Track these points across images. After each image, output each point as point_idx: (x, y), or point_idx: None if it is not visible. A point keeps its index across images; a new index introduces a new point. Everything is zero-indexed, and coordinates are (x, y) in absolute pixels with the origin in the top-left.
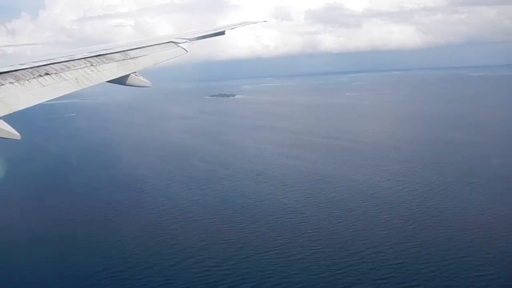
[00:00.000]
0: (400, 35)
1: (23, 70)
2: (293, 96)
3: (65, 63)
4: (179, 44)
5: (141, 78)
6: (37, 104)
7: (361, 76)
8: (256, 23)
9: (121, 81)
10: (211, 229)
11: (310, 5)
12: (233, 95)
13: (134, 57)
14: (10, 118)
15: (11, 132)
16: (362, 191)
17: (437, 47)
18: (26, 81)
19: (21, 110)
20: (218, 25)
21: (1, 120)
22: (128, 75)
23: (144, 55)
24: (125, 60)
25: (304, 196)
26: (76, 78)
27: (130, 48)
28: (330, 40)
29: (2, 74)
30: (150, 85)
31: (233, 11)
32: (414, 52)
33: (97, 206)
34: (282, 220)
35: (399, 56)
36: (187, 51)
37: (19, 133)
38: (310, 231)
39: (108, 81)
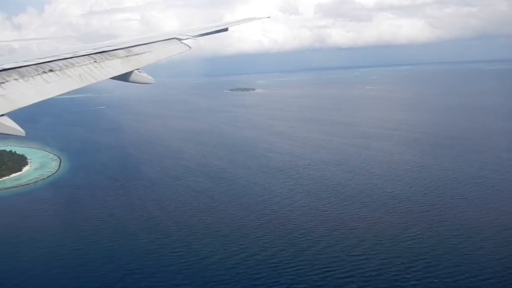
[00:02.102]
0: (409, 29)
1: (27, 67)
2: (314, 89)
3: (69, 59)
4: (182, 41)
5: (145, 74)
6: (43, 100)
7: (373, 70)
8: (259, 19)
9: (124, 77)
10: (333, 218)
11: None
12: (253, 89)
13: (137, 54)
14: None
15: (16, 128)
16: (465, 180)
17: (447, 41)
18: (31, 78)
19: (26, 107)
20: (223, 21)
21: (5, 117)
22: (132, 71)
23: (147, 52)
24: (128, 57)
25: (405, 184)
26: (80, 75)
27: (133, 44)
28: (340, 35)
29: (6, 71)
30: (154, 82)
31: (241, 6)
32: (424, 46)
33: (191, 195)
34: (400, 207)
35: (408, 51)
36: (190, 48)
37: (57, 125)
38: (437, 219)
39: (111, 78)
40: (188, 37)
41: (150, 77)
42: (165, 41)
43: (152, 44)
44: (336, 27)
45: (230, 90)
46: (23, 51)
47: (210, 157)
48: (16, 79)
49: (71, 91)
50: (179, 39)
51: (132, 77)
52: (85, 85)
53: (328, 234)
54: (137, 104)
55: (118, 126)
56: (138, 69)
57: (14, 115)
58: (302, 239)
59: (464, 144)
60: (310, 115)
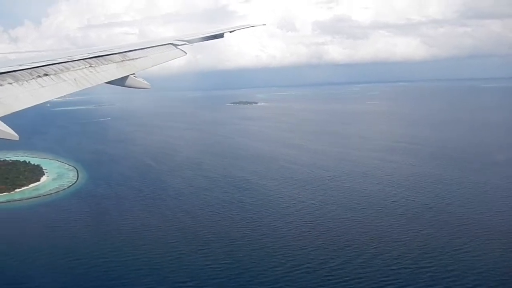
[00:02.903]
0: (405, 47)
1: (22, 71)
2: (316, 104)
3: (64, 64)
4: (178, 46)
5: (140, 79)
6: (38, 104)
7: (370, 86)
8: (254, 26)
9: (120, 82)
10: (374, 229)
11: (317, 16)
12: (255, 103)
13: (133, 59)
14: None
15: (9, 132)
16: (497, 192)
17: (442, 59)
18: (25, 82)
19: (20, 111)
20: (218, 28)
21: None
22: (127, 76)
23: (143, 57)
24: (124, 62)
25: (437, 197)
26: (75, 79)
27: (129, 49)
28: (337, 51)
29: (1, 75)
30: (150, 87)
31: (239, 21)
32: (419, 64)
33: (222, 205)
34: (438, 219)
35: (404, 68)
36: (186, 53)
37: (66, 136)
38: (479, 231)
39: (107, 82)
40: (183, 42)
41: (145, 82)
42: (161, 46)
43: (148, 49)
44: (333, 44)
45: (233, 103)
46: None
47: (231, 168)
48: (11, 83)
49: (73, 103)
50: (175, 45)
51: (128, 81)
52: (80, 89)
53: (372, 245)
54: (142, 116)
55: (128, 138)
56: (133, 74)
57: (8, 119)
58: (346, 250)
59: (481, 158)
60: (320, 129)
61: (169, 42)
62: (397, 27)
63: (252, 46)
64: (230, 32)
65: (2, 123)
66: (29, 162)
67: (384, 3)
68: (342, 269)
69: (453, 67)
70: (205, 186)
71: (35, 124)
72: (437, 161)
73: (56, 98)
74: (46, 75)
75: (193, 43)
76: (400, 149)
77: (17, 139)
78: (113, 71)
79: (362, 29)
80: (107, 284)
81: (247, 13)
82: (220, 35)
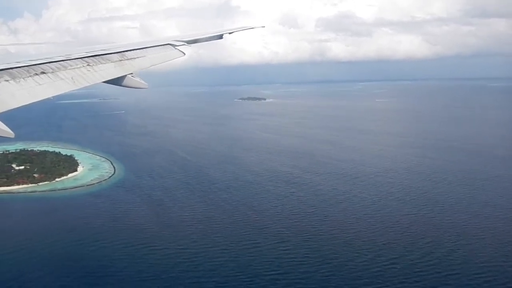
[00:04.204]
0: (408, 45)
1: (19, 68)
2: (326, 100)
3: (62, 62)
4: (176, 47)
5: (138, 79)
6: (35, 102)
7: (374, 84)
8: (253, 28)
9: (117, 81)
10: (448, 226)
11: (322, 13)
12: (264, 99)
13: (131, 58)
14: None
15: (5, 130)
16: None
17: (445, 57)
18: (22, 79)
19: (16, 108)
20: (217, 29)
21: None
22: (125, 76)
23: (141, 57)
24: (122, 61)
25: (492, 193)
26: (72, 78)
27: (127, 49)
28: (340, 49)
29: None
30: (147, 87)
31: (242, 17)
32: (422, 62)
33: (278, 199)
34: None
35: (406, 66)
36: (184, 54)
37: (83, 129)
38: None
39: (104, 82)
40: (182, 43)
41: (143, 82)
42: (159, 46)
43: (146, 49)
44: (336, 41)
45: (241, 99)
46: (21, 56)
47: (269, 163)
48: (7, 80)
49: (76, 96)
50: (174, 45)
51: (125, 81)
52: (77, 88)
53: (454, 242)
54: (153, 110)
55: (149, 131)
56: (131, 73)
57: (6, 116)
58: (420, 243)
59: None
60: (342, 125)
61: (168, 43)
62: (401, 24)
63: (255, 43)
64: (229, 33)
65: None
66: (59, 152)
67: (389, 1)
68: (440, 264)
69: (457, 66)
70: (251, 179)
71: (45, 117)
72: (479, 158)
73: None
74: (43, 73)
75: (191, 44)
76: (431, 146)
77: (13, 136)
78: (111, 70)
79: (366, 27)
80: (191, 272)
81: (250, 9)
82: (219, 36)
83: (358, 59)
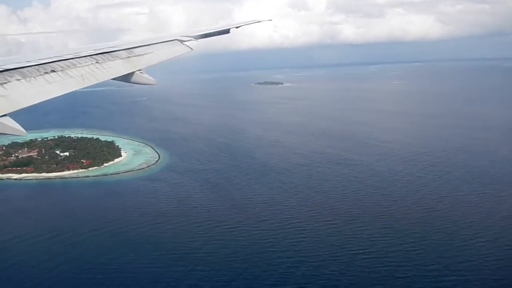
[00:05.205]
0: (420, 26)
1: (29, 67)
2: (346, 83)
3: (71, 60)
4: (184, 42)
5: (146, 75)
6: (46, 100)
7: (387, 67)
8: (260, 22)
9: (126, 78)
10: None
11: None
12: (281, 83)
13: (139, 55)
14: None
15: (17, 128)
16: None
17: (458, 38)
18: (32, 78)
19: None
20: (228, 21)
21: (7, 117)
22: (133, 72)
23: (149, 53)
24: (130, 58)
25: None
26: (81, 75)
27: (135, 45)
28: (350, 31)
29: (9, 71)
30: (155, 83)
31: (249, 1)
32: (434, 43)
33: (338, 180)
34: None
35: (418, 48)
36: (192, 49)
37: (111, 116)
38: None
39: (113, 79)
40: (189, 38)
41: (151, 78)
42: (167, 42)
43: (154, 45)
44: (347, 23)
45: (258, 84)
46: (31, 45)
47: (314, 145)
48: (18, 80)
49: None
50: (181, 41)
51: (134, 78)
52: (87, 85)
53: None
54: (175, 96)
55: (178, 116)
56: (139, 70)
57: (15, 114)
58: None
59: None
60: (371, 107)
61: (175, 38)
62: (414, 4)
63: (265, 27)
64: (236, 27)
65: (10, 119)
66: (97, 138)
67: None
68: None
69: (470, 46)
70: (302, 162)
71: (68, 105)
72: None
73: None
74: (53, 71)
75: (199, 39)
76: (473, 127)
77: (25, 135)
78: (119, 67)
79: (378, 7)
80: (270, 250)
81: None
82: (226, 31)
83: (369, 41)
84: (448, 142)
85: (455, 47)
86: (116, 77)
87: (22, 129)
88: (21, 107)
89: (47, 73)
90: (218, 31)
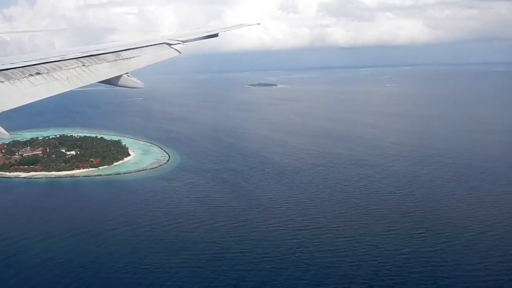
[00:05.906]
0: (409, 30)
1: (14, 69)
2: (339, 86)
3: (57, 62)
4: (172, 46)
5: (134, 79)
6: (30, 103)
7: (377, 70)
8: (249, 25)
9: (113, 81)
10: None
11: None
12: (275, 85)
13: (126, 58)
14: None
15: (0, 131)
16: None
17: (446, 42)
18: (17, 80)
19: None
20: (213, 25)
21: None
22: (120, 75)
23: (136, 56)
24: (117, 61)
25: None
26: (67, 78)
27: (122, 48)
28: (340, 34)
29: None
30: (143, 86)
31: (241, 2)
32: (423, 47)
33: (357, 179)
34: None
35: (407, 52)
36: (180, 53)
37: (110, 115)
38: None
39: (100, 82)
40: (178, 42)
41: (139, 82)
42: (155, 46)
43: (142, 48)
44: (338, 26)
45: (251, 85)
46: (16, 44)
47: (322, 146)
48: (2, 82)
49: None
50: (169, 44)
51: (121, 81)
52: (72, 88)
53: None
54: (170, 96)
55: (179, 116)
56: (127, 73)
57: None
58: None
59: None
60: (373, 109)
61: (163, 42)
62: (403, 8)
63: (255, 29)
64: (225, 31)
65: None
66: (102, 138)
67: None
68: None
69: (458, 50)
70: (316, 162)
71: (60, 105)
72: None
73: None
74: (38, 73)
75: (187, 42)
76: (478, 129)
77: (8, 137)
78: (106, 70)
79: (368, 11)
80: (304, 245)
81: None
82: (215, 35)
83: (359, 44)
84: (455, 144)
85: (444, 52)
86: (103, 80)
87: (5, 132)
88: (4, 110)
89: (32, 75)
90: (207, 35)
